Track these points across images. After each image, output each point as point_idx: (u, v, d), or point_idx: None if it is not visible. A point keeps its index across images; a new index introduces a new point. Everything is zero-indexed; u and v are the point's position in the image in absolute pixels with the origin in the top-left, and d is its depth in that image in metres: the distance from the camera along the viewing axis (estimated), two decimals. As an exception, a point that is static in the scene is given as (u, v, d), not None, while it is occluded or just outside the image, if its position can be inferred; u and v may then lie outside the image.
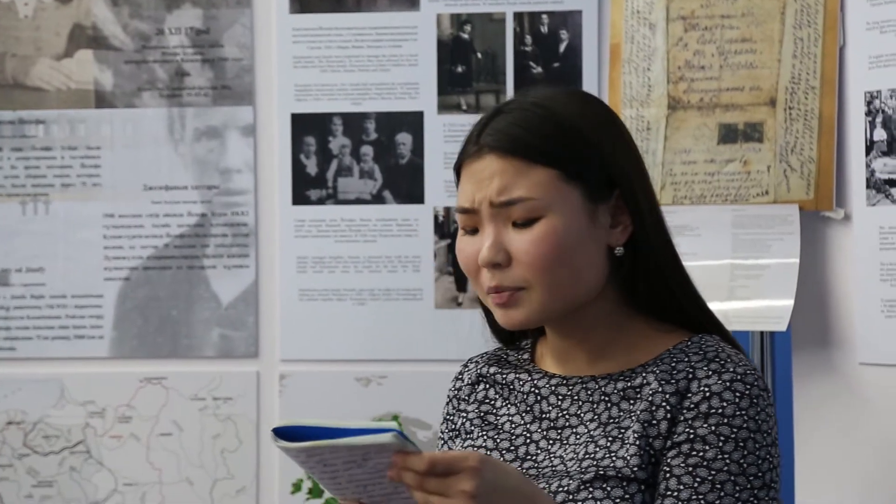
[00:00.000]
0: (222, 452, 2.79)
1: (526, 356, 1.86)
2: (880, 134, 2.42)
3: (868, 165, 2.43)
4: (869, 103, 2.43)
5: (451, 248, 2.77)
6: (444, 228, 2.77)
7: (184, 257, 2.82)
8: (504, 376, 1.83)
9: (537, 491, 1.60)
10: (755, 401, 1.69)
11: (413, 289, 2.77)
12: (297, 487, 2.77)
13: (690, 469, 1.66)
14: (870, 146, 2.43)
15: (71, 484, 2.80)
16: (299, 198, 2.80)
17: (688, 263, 2.54)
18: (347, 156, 2.80)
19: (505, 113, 1.75)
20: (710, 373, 1.69)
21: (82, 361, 2.82)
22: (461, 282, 2.76)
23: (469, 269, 1.75)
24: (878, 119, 2.42)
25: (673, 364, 1.72)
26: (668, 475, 1.67)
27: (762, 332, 2.53)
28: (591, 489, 1.67)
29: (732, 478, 1.66)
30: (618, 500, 1.66)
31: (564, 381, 1.78)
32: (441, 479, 1.50)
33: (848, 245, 2.48)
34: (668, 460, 1.67)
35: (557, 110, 1.74)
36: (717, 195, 2.56)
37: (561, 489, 1.68)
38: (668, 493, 1.66)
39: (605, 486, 1.67)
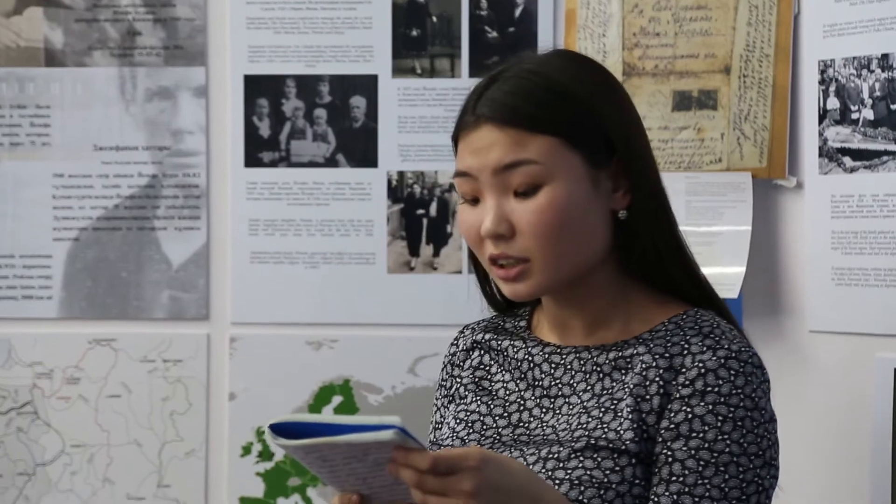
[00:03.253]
0: (171, 415, 2.78)
1: (523, 324, 1.84)
2: (833, 103, 2.43)
3: (821, 134, 2.44)
4: (822, 72, 2.44)
5: (403, 213, 2.76)
6: (398, 193, 2.76)
7: (134, 218, 2.80)
8: (499, 343, 1.82)
9: (545, 490, 1.57)
10: (750, 378, 1.67)
11: (365, 253, 2.76)
12: (246, 451, 2.76)
13: (693, 452, 1.63)
14: (823, 115, 2.44)
15: (17, 445, 2.78)
16: (251, 160, 2.79)
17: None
18: (300, 118, 2.78)
19: (499, 81, 1.71)
20: (705, 348, 1.67)
21: (30, 322, 2.80)
22: (414, 246, 2.75)
23: (472, 239, 1.72)
24: (832, 88, 2.43)
25: (668, 338, 1.70)
26: (670, 459, 1.64)
27: (713, 299, 2.54)
28: (581, 458, 1.65)
29: (735, 459, 1.63)
30: (607, 472, 1.64)
31: (558, 350, 1.76)
32: (441, 477, 1.47)
33: (800, 213, 2.49)
34: (669, 443, 1.64)
35: (553, 76, 1.70)
36: (670, 162, 2.56)
37: (551, 455, 1.67)
38: (674, 478, 1.64)
39: (595, 455, 1.65)
